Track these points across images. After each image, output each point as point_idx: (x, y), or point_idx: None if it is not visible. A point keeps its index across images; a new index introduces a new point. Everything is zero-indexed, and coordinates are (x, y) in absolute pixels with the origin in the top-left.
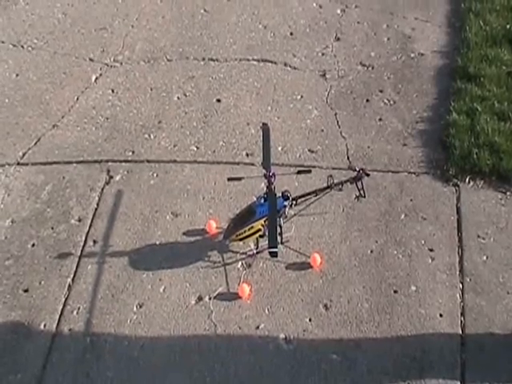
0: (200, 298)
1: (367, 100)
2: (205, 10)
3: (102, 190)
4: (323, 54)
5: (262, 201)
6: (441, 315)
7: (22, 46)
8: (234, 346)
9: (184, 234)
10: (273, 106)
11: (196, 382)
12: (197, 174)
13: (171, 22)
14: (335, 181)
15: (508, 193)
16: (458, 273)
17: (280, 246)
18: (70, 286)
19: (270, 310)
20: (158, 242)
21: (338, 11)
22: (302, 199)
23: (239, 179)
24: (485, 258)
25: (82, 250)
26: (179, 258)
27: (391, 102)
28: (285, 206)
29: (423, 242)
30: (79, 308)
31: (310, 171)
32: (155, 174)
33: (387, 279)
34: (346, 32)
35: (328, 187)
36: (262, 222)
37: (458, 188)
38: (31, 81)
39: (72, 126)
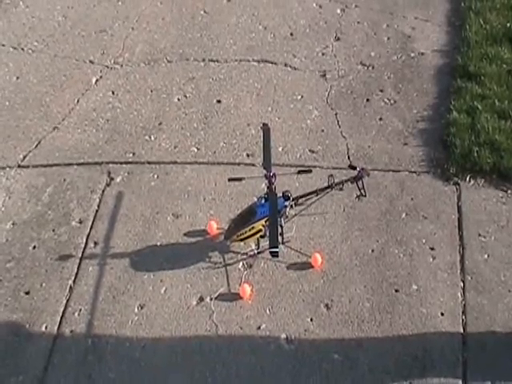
0: (201, 299)
1: (367, 100)
2: (205, 12)
3: (103, 191)
4: (323, 54)
5: (263, 201)
6: (442, 314)
7: (23, 49)
8: (236, 346)
9: (185, 234)
10: (273, 106)
11: (197, 382)
12: (197, 175)
13: (171, 24)
14: (336, 180)
15: (509, 191)
16: (459, 271)
17: (281, 246)
18: (71, 287)
19: (271, 310)
20: (158, 243)
21: (338, 11)
22: (303, 199)
23: (240, 180)
24: (486, 256)
25: (82, 252)
26: (180, 259)
27: (391, 102)
28: (285, 206)
29: (424, 240)
30: (80, 310)
31: (310, 171)
32: (156, 176)
33: (388, 278)
34: (346, 32)
35: (329, 187)
36: (262, 222)
37: (459, 187)
38: (31, 83)
39: (72, 129)
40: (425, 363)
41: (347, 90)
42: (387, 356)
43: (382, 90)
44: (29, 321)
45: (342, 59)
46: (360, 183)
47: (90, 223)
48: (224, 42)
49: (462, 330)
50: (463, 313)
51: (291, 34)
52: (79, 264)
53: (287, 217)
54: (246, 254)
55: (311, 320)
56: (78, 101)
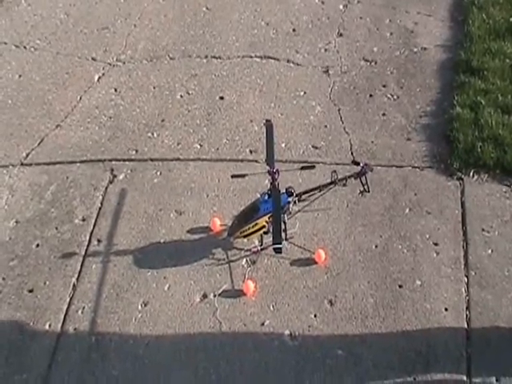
0: (205, 296)
1: (370, 95)
2: (207, 8)
3: (106, 189)
4: (326, 50)
5: (266, 197)
6: (446, 309)
7: (25, 47)
8: (239, 343)
9: (188, 231)
10: (276, 102)
11: (201, 379)
12: (200, 172)
13: (173, 21)
14: (339, 176)
15: None
16: (462, 267)
17: (284, 242)
18: (74, 285)
19: (274, 307)
20: (162, 241)
21: (341, 7)
22: (306, 195)
23: (243, 176)
24: (490, 251)
25: (86, 250)
26: (183, 256)
27: (394, 97)
28: (289, 203)
29: (428, 236)
30: (84, 307)
31: (313, 167)
32: (159, 173)
33: (392, 274)
34: (348, 27)
35: (332, 183)
36: (266, 218)
37: (462, 182)
38: (34, 81)
39: (75, 126)
40: (429, 359)
41: (350, 86)
42: (391, 351)
43: (384, 86)
44: (32, 319)
45: (345, 55)
46: (363, 179)
47: (94, 221)
48: (226, 39)
49: (465, 326)
50: (467, 308)
51: (294, 30)
52: (82, 262)
53: (290, 213)
54: (250, 250)
55: (315, 316)
56: (80, 98)
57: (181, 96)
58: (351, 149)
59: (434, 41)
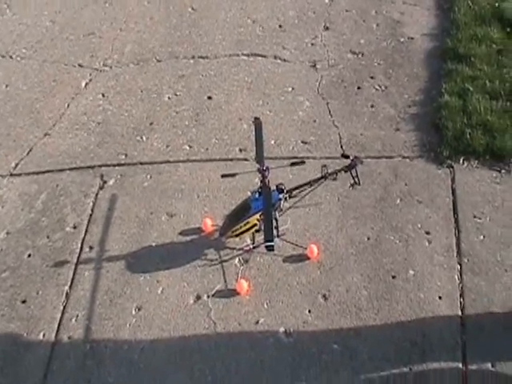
0: (198, 297)
1: (358, 87)
2: (192, 9)
3: (96, 195)
4: (313, 45)
5: (257, 195)
6: (440, 298)
7: (11, 57)
8: (235, 342)
9: (180, 233)
10: (264, 99)
11: (197, 381)
12: (190, 173)
13: (159, 23)
14: (329, 170)
15: (502, 171)
16: (455, 254)
17: (276, 239)
18: (67, 293)
19: (268, 305)
20: (154, 244)
21: (326, 0)
22: (297, 191)
23: (233, 175)
24: (482, 237)
25: (78, 257)
26: (176, 258)
27: (383, 88)
28: (280, 199)
29: (419, 225)
30: (78, 315)
31: (303, 162)
32: (149, 176)
33: (385, 265)
34: (334, 21)
35: (322, 177)
36: (257, 216)
37: (453, 169)
38: (21, 91)
39: (64, 134)
40: (424, 348)
41: (338, 79)
42: (386, 343)
43: (372, 77)
44: (26, 329)
45: (332, 48)
46: (354, 172)
47: (85, 228)
48: (213, 38)
49: (460, 313)
50: (461, 295)
51: (280, 26)
52: (75, 269)
53: (282, 210)
54: (242, 249)
55: (309, 312)
56: (68, 105)
57: (169, 98)
58: (341, 142)
59: (421, 30)
